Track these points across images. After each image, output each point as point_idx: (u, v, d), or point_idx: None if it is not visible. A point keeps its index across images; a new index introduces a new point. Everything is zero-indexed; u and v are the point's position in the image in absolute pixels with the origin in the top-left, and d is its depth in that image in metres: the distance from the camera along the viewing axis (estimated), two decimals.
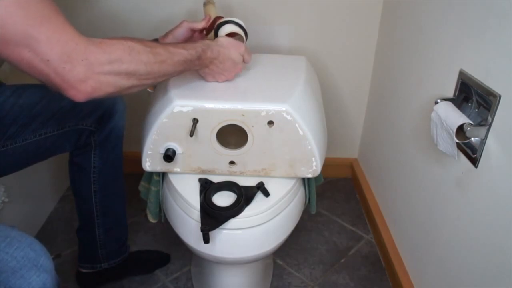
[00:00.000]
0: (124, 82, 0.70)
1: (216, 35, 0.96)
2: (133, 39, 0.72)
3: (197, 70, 0.89)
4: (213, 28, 0.97)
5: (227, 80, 0.93)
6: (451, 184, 0.90)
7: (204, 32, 1.01)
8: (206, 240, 0.81)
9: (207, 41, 0.87)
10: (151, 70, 0.73)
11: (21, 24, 0.58)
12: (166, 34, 0.97)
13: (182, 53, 0.80)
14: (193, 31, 0.98)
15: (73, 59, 0.62)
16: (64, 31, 0.62)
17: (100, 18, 1.36)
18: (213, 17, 1.00)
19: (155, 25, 1.35)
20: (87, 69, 0.64)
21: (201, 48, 0.84)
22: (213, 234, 0.84)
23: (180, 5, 1.33)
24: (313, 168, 0.92)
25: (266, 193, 0.90)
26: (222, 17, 0.98)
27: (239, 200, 0.86)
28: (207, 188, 0.89)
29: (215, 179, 0.93)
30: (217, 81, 0.93)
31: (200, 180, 0.92)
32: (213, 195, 0.89)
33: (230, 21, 0.96)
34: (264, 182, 0.92)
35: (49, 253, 0.68)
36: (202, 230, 0.81)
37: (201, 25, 0.98)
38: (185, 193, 0.90)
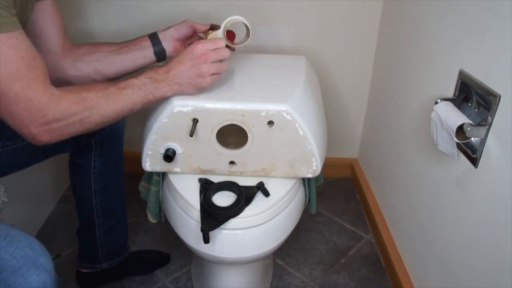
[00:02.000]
0: (79, 129, 0.75)
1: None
2: (88, 85, 0.77)
3: (170, 91, 0.83)
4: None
5: (202, 87, 0.84)
6: (451, 184, 0.90)
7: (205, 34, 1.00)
8: (206, 240, 0.81)
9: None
10: (104, 113, 0.76)
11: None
12: (168, 28, 0.97)
13: (133, 83, 0.80)
14: (195, 31, 0.99)
15: (33, 116, 0.68)
16: (32, 88, 0.67)
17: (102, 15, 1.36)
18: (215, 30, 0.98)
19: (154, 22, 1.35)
20: (44, 125, 0.70)
21: (148, 70, 0.82)
22: (213, 234, 0.84)
23: (180, 4, 1.34)
24: (313, 168, 0.92)
25: (266, 193, 0.90)
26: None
27: (239, 200, 0.86)
28: (207, 188, 0.89)
29: (215, 179, 0.93)
30: (199, 90, 0.85)
31: (200, 180, 0.92)
32: (213, 195, 0.89)
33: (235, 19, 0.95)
34: (264, 182, 0.92)
35: (49, 253, 0.68)
36: (202, 230, 0.81)
37: (203, 27, 0.98)
38: (185, 193, 0.90)
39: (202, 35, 1.02)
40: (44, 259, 0.66)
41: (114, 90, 0.77)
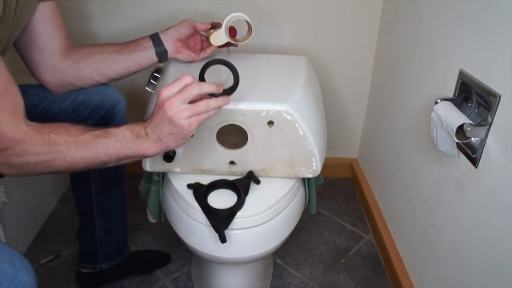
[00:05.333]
0: (43, 170, 0.71)
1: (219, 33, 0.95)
2: (61, 127, 0.72)
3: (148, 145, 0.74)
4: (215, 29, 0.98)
5: (185, 137, 0.73)
6: (451, 184, 0.90)
7: (207, 32, 1.01)
8: (223, 239, 0.81)
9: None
10: (71, 159, 0.71)
11: None
12: (168, 28, 0.97)
13: (111, 132, 0.73)
14: (196, 30, 0.99)
15: (8, 149, 0.66)
16: (6, 122, 0.65)
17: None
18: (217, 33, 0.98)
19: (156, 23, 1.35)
20: (4, 157, 0.66)
21: (130, 123, 0.75)
22: (213, 234, 0.84)
23: (181, 4, 1.34)
24: (313, 168, 0.92)
25: (257, 181, 0.91)
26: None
27: (239, 194, 0.87)
28: (202, 191, 0.88)
29: (204, 180, 0.91)
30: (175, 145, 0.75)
31: (190, 186, 0.90)
32: (209, 197, 0.89)
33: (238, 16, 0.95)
34: (264, 182, 0.92)
35: (31, 268, 0.64)
36: (217, 231, 0.81)
37: (204, 26, 0.99)
38: (185, 193, 0.90)
39: (204, 33, 1.02)
40: (23, 276, 0.61)
41: (88, 137, 0.71)
